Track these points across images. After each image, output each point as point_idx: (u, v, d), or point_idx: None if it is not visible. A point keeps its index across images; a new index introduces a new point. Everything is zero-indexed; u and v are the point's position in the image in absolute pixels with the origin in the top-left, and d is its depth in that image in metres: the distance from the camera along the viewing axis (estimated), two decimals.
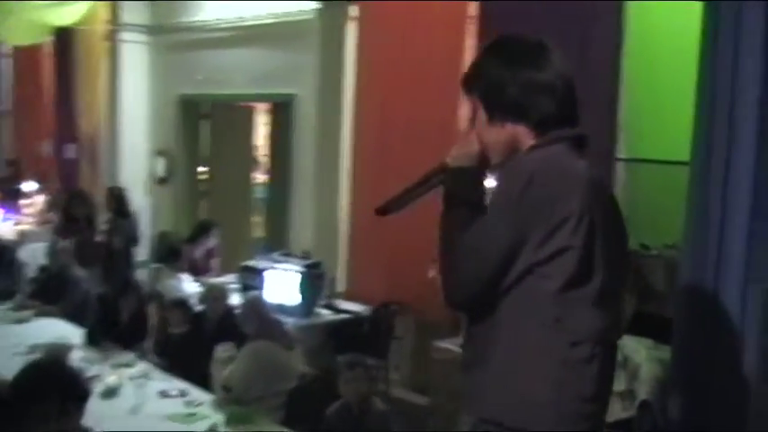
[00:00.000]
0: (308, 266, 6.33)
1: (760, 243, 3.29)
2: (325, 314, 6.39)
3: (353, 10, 6.89)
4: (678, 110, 5.20)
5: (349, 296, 6.79)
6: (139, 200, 8.77)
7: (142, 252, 8.29)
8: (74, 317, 5.89)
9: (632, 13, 4.93)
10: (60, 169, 10.18)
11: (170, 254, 6.92)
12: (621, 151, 5.09)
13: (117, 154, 9.51)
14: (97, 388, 4.11)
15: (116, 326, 5.53)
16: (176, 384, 4.54)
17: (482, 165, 2.01)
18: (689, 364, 3.51)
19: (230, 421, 3.99)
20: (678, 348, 3.57)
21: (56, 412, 2.52)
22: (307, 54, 7.34)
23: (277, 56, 7.84)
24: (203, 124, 9.23)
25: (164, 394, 4.38)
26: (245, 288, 6.46)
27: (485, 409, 1.91)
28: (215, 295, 5.48)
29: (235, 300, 5.81)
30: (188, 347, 5.12)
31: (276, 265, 6.44)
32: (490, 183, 2.02)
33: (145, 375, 4.51)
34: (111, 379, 4.41)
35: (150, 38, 9.38)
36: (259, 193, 9.63)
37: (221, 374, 4.50)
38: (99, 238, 8.05)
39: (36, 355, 4.59)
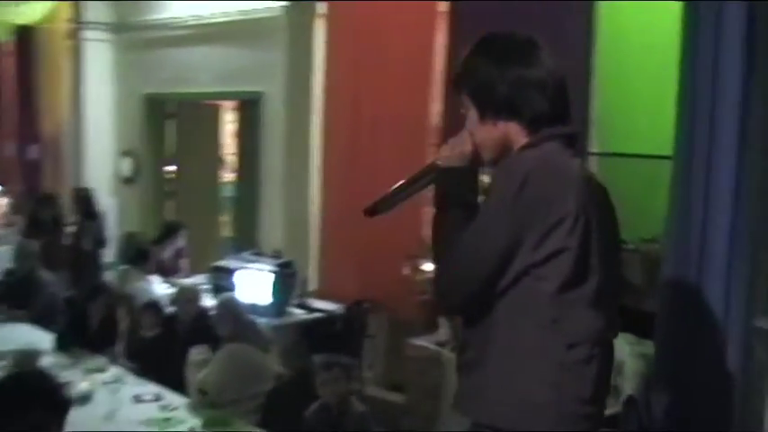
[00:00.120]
0: (279, 266, 6.30)
1: (742, 239, 3.32)
2: (298, 313, 6.36)
3: (322, 7, 6.85)
4: (648, 105, 5.28)
5: (321, 295, 6.77)
6: (105, 201, 8.64)
7: (109, 254, 8.16)
8: (42, 321, 5.77)
9: (603, 12, 4.97)
10: (23, 170, 10.01)
11: (138, 255, 6.83)
12: (594, 146, 5.13)
13: (81, 154, 9.34)
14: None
15: (86, 330, 5.45)
16: (150, 389, 4.47)
17: (474, 164, 1.99)
18: (672, 359, 3.54)
19: (207, 425, 3.95)
20: (661, 344, 3.60)
21: (37, 425, 2.46)
22: (274, 52, 7.27)
23: (244, 54, 7.77)
24: (169, 123, 9.10)
25: (138, 399, 4.31)
26: (216, 288, 6.39)
27: (482, 412, 1.89)
28: (188, 297, 5.42)
29: (207, 301, 5.75)
30: (161, 351, 5.05)
31: (247, 265, 6.40)
32: (483, 181, 2.01)
33: (118, 380, 4.44)
34: (83, 385, 4.32)
35: (114, 36, 9.22)
36: (227, 192, 9.55)
37: (196, 377, 4.45)
38: (66, 240, 7.93)
39: (4, 363, 4.51)
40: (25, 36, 9.53)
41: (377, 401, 5.97)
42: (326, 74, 6.90)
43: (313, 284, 6.93)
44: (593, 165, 5.17)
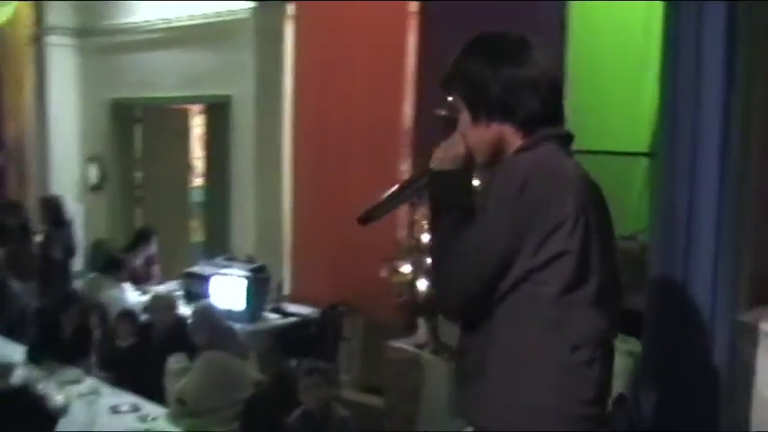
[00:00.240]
0: (252, 270, 6.25)
1: (727, 236, 3.35)
2: (273, 318, 6.32)
3: (291, 9, 6.80)
4: (620, 103, 5.34)
5: (295, 299, 6.72)
6: (72, 207, 8.49)
7: (77, 262, 8.05)
8: (12, 333, 5.67)
9: (575, 11, 4.99)
10: None
11: (110, 263, 6.73)
12: None
13: (46, 161, 9.20)
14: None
15: (58, 341, 5.35)
16: (127, 399, 4.41)
17: (468, 166, 1.97)
18: (660, 357, 3.57)
19: None
20: (649, 342, 3.62)
21: None
22: (243, 55, 7.21)
23: (212, 57, 7.69)
24: (137, 128, 9.00)
25: (115, 410, 4.24)
26: (189, 295, 6.34)
27: (487, 418, 1.88)
28: (164, 304, 5.33)
29: (181, 308, 5.68)
30: (137, 360, 4.98)
31: (220, 271, 6.34)
32: (477, 182, 1.99)
33: (94, 392, 4.36)
34: (58, 398, 4.24)
35: (78, 41, 9.09)
36: (196, 197, 9.46)
37: (175, 387, 4.39)
38: (34, 249, 7.79)
39: None
40: None
41: (354, 405, 5.94)
42: (296, 76, 6.86)
43: (287, 288, 6.88)
44: None
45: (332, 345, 6.22)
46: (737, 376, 3.24)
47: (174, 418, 4.13)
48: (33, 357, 5.00)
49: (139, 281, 6.93)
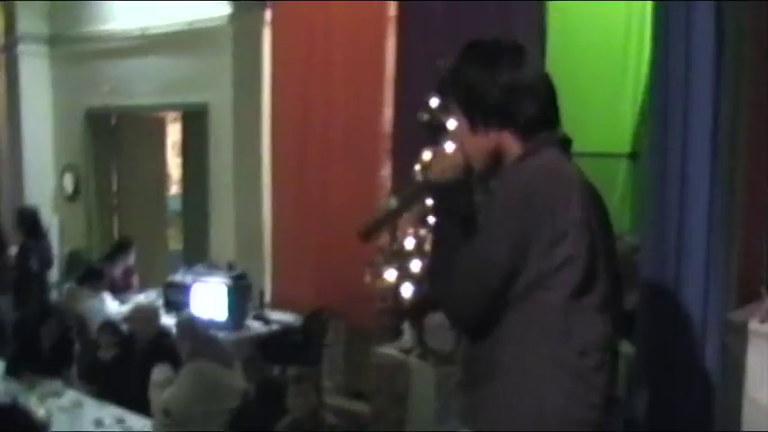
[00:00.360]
0: (234, 278, 6.19)
1: (718, 236, 3.36)
2: (255, 326, 6.26)
3: (268, 14, 6.76)
4: (599, 104, 5.35)
5: (277, 306, 6.67)
6: (47, 218, 8.39)
7: (53, 273, 7.94)
8: None
9: (552, 12, 5.00)
10: None
11: (90, 273, 6.63)
12: None
13: (20, 171, 9.08)
14: None
15: (38, 353, 5.26)
16: (111, 411, 4.36)
17: (466, 174, 1.94)
18: (653, 357, 3.57)
19: None
20: (642, 343, 3.63)
21: None
22: (219, 61, 7.16)
23: (188, 64, 7.63)
24: (112, 137, 8.91)
25: (99, 423, 4.20)
26: (169, 304, 6.27)
27: (496, 423, 1.86)
28: (146, 315, 5.27)
29: (163, 317, 5.61)
30: (120, 372, 4.92)
31: (201, 279, 6.27)
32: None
33: (76, 404, 4.33)
34: (40, 411, 4.18)
35: (51, 49, 8.97)
36: (173, 205, 9.37)
37: (160, 398, 4.33)
38: (10, 261, 7.66)
39: None
40: None
41: (339, 411, 5.91)
42: (274, 82, 6.81)
43: (268, 295, 6.83)
44: None
45: (315, 351, 6.18)
46: (729, 376, 3.25)
47: (160, 429, 4.07)
48: (12, 370, 4.94)
49: (119, 291, 6.83)
